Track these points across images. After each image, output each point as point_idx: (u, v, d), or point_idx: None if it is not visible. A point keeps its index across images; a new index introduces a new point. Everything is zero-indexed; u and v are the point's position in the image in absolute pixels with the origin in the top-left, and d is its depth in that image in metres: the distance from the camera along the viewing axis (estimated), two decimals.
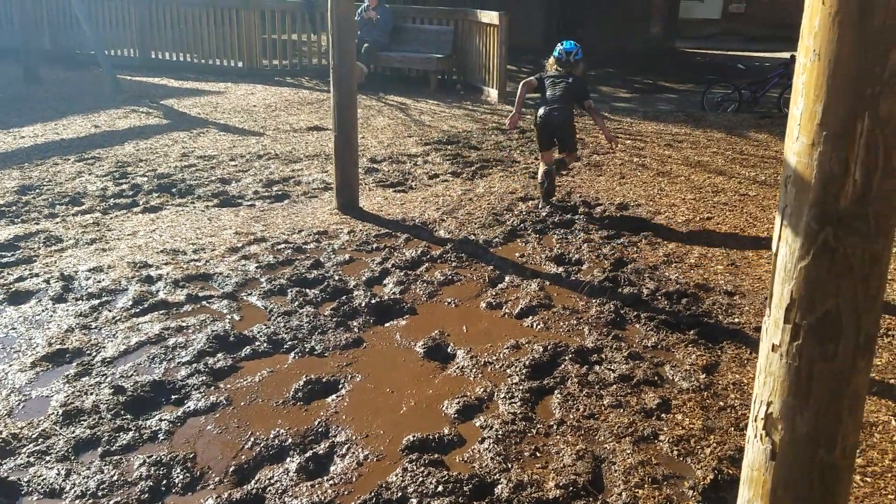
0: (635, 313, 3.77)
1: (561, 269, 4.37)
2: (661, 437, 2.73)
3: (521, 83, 5.61)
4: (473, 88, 11.04)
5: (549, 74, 5.66)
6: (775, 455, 1.68)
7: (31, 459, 2.58)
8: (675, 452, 2.65)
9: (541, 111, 5.48)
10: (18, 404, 2.91)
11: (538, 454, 2.64)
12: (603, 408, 2.92)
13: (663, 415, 2.87)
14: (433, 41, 11.51)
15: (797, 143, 1.57)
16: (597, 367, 3.23)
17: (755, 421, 1.69)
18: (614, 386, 3.07)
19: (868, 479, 2.51)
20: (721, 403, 2.96)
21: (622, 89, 12.46)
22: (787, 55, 9.96)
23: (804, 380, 1.58)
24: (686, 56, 17.40)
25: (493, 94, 10.44)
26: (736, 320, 3.69)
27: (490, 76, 10.59)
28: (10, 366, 3.19)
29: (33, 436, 2.70)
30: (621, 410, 2.90)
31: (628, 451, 2.64)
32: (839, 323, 1.54)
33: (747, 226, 5.10)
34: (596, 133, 8.17)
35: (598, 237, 4.88)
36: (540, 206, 5.49)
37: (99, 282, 4.04)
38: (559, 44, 5.73)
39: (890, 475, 2.54)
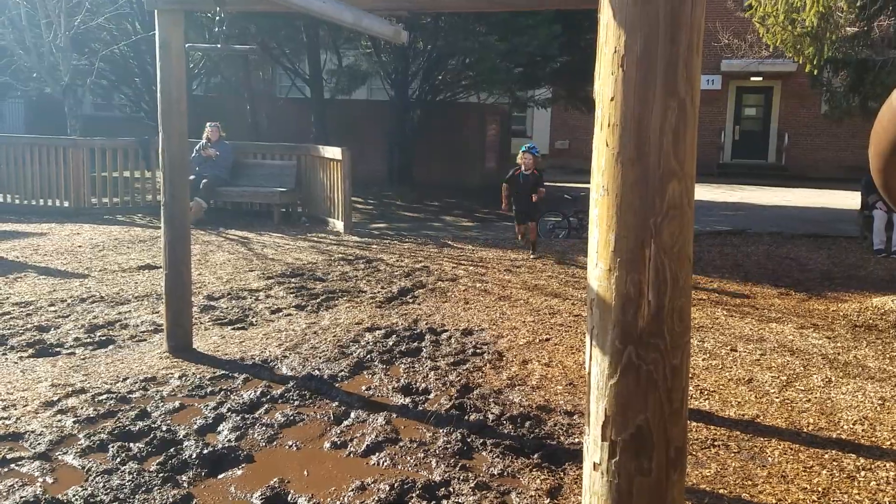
0: (482, 440, 3.75)
1: (408, 399, 4.32)
2: None
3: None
4: (319, 220, 11.15)
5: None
6: None
7: None
8: None
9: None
10: None
11: None
12: None
13: None
14: (276, 175, 11.62)
15: (597, 269, 1.68)
16: (444, 503, 3.14)
17: None
18: None
19: None
20: None
21: (463, 219, 13.10)
22: None
23: (625, 496, 1.62)
24: None
25: (338, 225, 10.58)
26: (576, 440, 3.76)
27: (335, 208, 10.77)
28: None
29: None
30: None
31: None
32: (650, 437, 1.61)
33: (582, 345, 5.34)
34: (440, 261, 8.43)
35: (445, 364, 4.90)
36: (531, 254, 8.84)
37: None
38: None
39: None
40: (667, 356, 1.62)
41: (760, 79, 23.63)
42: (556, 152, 25.05)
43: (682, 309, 1.65)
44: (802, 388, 4.53)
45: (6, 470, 3.39)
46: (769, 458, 3.58)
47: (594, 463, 1.67)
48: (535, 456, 3.57)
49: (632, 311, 1.61)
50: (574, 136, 24.45)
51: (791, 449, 3.69)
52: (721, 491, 3.26)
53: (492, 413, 4.09)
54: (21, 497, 3.09)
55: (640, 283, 1.61)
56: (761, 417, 4.08)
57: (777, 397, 4.37)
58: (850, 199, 14.68)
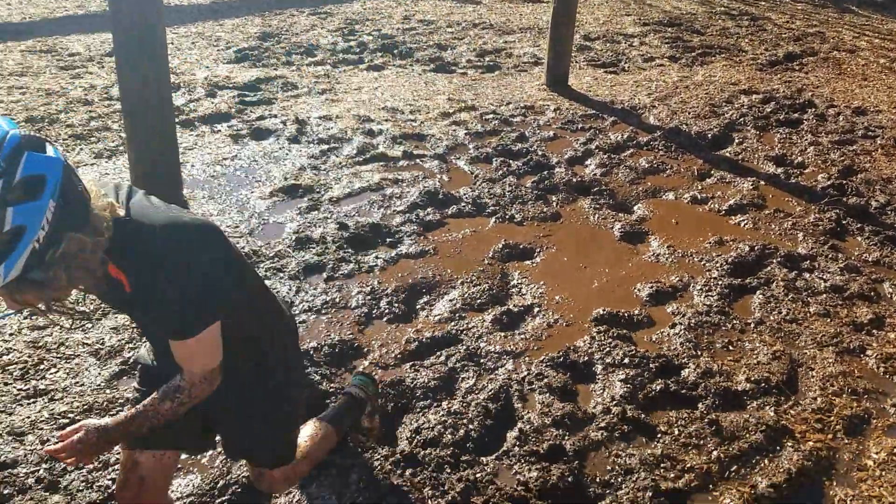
0: (859, 225, 3.49)
1: (780, 169, 4.10)
2: (869, 353, 2.60)
3: None
4: None
5: None
6: None
7: (268, 274, 2.97)
8: (882, 369, 2.52)
9: None
10: (258, 226, 3.34)
11: (731, 348, 2.62)
12: (808, 315, 2.81)
13: (874, 331, 2.71)
14: None
15: None
16: (806, 275, 3.07)
17: None
18: (824, 295, 2.92)
19: None
20: None
21: None
22: None
23: None
24: None
25: None
26: None
27: None
28: (252, 192, 3.63)
29: (270, 254, 3.09)
30: (828, 320, 2.77)
31: (830, 360, 2.54)
32: None
33: None
34: (838, 28, 7.25)
35: (827, 141, 4.48)
36: None
37: (328, 129, 4.40)
38: None
39: None
40: None
41: None
42: None
43: None
44: None
45: (412, 163, 4.07)
46: None
47: None
48: None
49: None
50: None
51: None
52: None
53: (876, 200, 3.72)
54: (424, 187, 3.72)
55: None
56: None
57: None
58: None
